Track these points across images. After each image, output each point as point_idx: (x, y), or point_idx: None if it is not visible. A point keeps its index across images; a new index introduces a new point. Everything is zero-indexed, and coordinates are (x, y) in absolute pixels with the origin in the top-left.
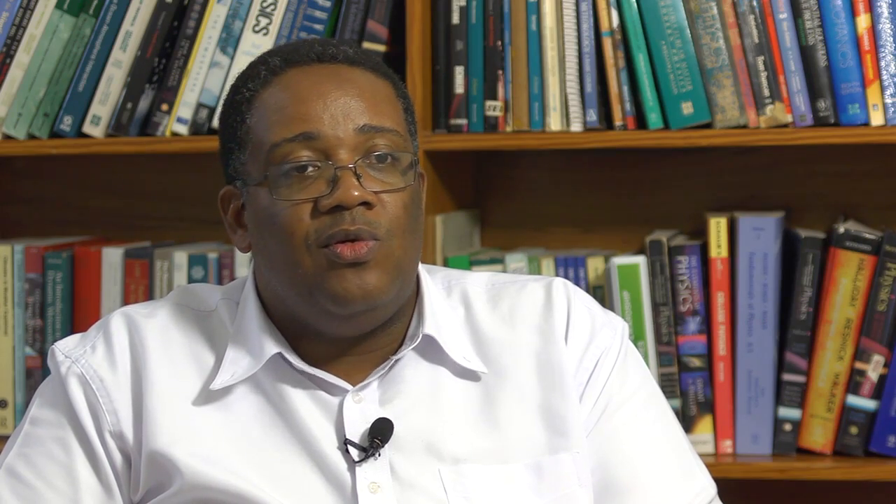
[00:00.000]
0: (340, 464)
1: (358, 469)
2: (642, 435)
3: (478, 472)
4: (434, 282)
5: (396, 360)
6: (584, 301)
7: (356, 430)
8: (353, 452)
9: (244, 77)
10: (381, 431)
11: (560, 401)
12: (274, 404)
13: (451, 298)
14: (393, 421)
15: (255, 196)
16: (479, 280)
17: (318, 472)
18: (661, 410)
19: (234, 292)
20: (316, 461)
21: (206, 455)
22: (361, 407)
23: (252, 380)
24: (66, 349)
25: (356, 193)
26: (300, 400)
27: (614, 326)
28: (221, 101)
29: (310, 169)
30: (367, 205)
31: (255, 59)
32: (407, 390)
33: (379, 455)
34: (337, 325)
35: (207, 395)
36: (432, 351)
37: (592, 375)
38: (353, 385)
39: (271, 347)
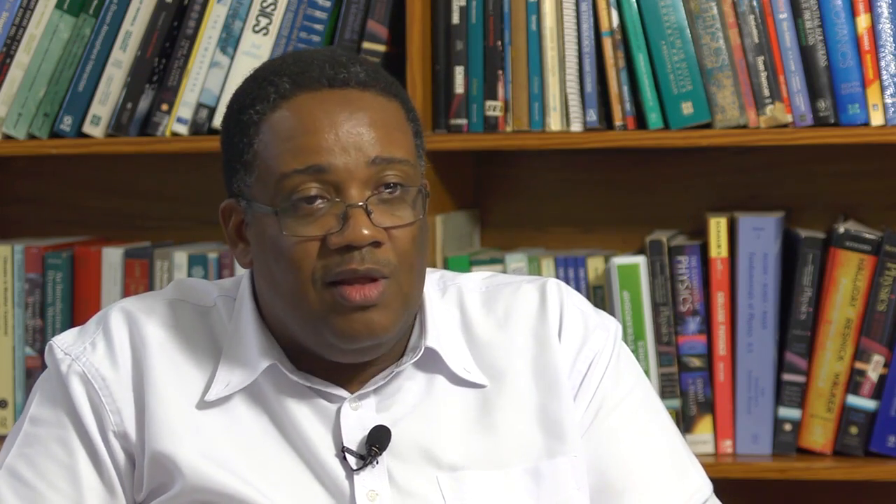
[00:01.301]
0: (339, 471)
1: (356, 477)
2: (637, 436)
3: (476, 479)
4: (430, 282)
5: (398, 372)
6: (576, 303)
7: (354, 437)
8: (351, 460)
9: (251, 95)
10: (378, 439)
11: (556, 404)
12: (272, 411)
13: (445, 299)
14: (391, 428)
15: (260, 220)
16: (473, 280)
17: (316, 479)
18: (656, 411)
19: (231, 290)
20: (314, 469)
21: (209, 457)
22: (359, 414)
23: (249, 386)
24: (64, 345)
25: (367, 232)
26: (298, 407)
27: (607, 328)
28: (221, 102)
29: (319, 202)
30: (376, 243)
31: (262, 74)
32: (404, 398)
33: (377, 463)
34: (340, 354)
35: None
36: (430, 359)
37: (585, 378)
38: (351, 392)
39: (266, 359)
